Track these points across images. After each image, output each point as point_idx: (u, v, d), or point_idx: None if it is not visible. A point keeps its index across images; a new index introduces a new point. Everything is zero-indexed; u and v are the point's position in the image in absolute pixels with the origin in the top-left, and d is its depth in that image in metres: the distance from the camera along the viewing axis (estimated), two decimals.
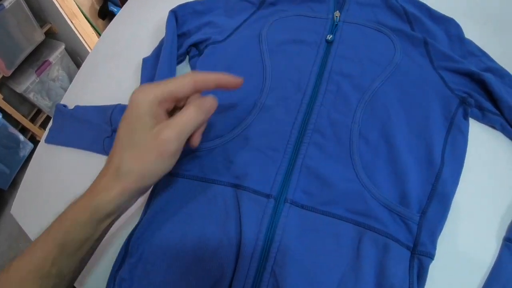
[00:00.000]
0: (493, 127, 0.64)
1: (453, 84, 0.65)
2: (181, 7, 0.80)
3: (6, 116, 1.88)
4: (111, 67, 0.88)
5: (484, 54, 0.70)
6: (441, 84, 0.65)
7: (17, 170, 2.02)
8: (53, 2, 1.95)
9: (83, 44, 2.23)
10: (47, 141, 0.79)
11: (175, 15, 0.79)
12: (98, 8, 2.50)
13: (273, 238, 0.50)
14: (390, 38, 0.70)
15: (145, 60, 0.78)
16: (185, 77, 0.45)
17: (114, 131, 0.68)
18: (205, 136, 0.60)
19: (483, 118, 0.64)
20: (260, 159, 0.57)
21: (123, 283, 0.52)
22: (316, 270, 0.49)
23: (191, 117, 0.44)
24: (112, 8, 2.50)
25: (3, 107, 1.85)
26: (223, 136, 0.61)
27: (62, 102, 0.84)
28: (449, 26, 0.73)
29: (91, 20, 2.31)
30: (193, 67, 0.76)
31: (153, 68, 0.75)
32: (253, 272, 0.48)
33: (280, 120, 0.61)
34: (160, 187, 0.59)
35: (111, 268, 0.55)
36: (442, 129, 0.60)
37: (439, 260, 0.51)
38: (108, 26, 0.99)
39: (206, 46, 0.75)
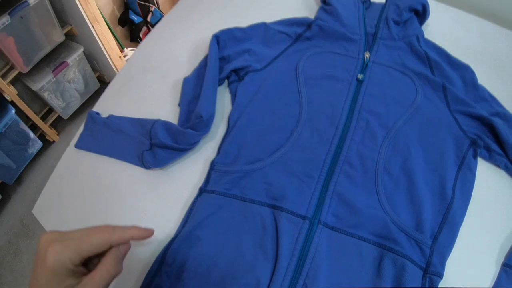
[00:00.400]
0: (498, 166, 0.73)
1: (466, 126, 0.74)
2: (223, 32, 0.89)
3: (19, 112, 1.90)
4: (145, 80, 0.93)
5: (494, 99, 0.79)
6: (456, 126, 0.74)
7: (23, 167, 2.06)
8: (77, 5, 1.98)
9: (102, 49, 2.27)
10: (77, 146, 0.83)
11: (217, 39, 0.88)
12: (118, 15, 2.57)
13: (307, 255, 0.59)
14: (413, 81, 0.80)
15: (186, 80, 0.86)
16: (100, 237, 0.45)
17: (152, 145, 0.75)
18: (246, 159, 0.69)
19: (490, 158, 0.73)
20: (296, 184, 0.66)
21: None
22: (342, 284, 0.58)
23: (106, 272, 0.44)
24: (133, 16, 2.57)
25: (16, 102, 1.88)
26: (262, 160, 0.69)
27: (94, 109, 0.89)
28: (465, 72, 0.82)
29: (111, 26, 2.36)
30: (232, 91, 0.84)
31: (194, 89, 0.83)
32: (287, 284, 0.57)
33: (314, 150, 0.70)
34: (200, 203, 0.67)
35: (141, 273, 0.62)
36: (454, 166, 0.69)
37: (446, 280, 0.60)
38: (144, 39, 1.05)
39: (246, 73, 0.84)
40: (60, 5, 2.01)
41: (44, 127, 2.15)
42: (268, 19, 0.94)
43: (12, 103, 1.86)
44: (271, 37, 0.90)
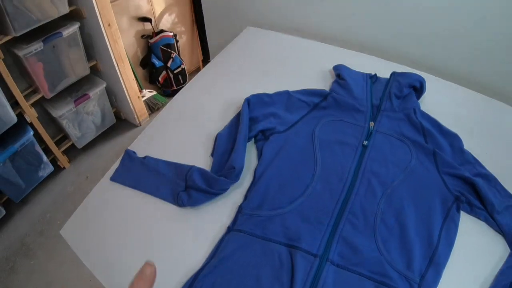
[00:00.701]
0: (479, 218, 0.88)
1: (451, 185, 0.90)
2: (253, 96, 1.10)
3: (35, 134, 1.97)
4: (178, 128, 1.11)
5: (478, 162, 0.96)
6: (443, 185, 0.90)
7: (32, 188, 2.11)
8: (106, 42, 2.13)
9: (122, 87, 2.41)
10: (113, 179, 0.98)
11: (248, 102, 1.08)
12: (141, 57, 2.75)
13: (316, 286, 0.74)
14: (409, 147, 0.97)
15: (220, 135, 1.05)
16: None
17: (188, 187, 0.92)
18: (269, 206, 0.86)
19: (471, 212, 0.88)
20: (310, 228, 0.82)
21: None
22: None
23: None
24: (154, 60, 2.75)
25: (35, 125, 1.98)
26: (282, 208, 0.86)
27: (130, 148, 1.05)
28: (453, 140, 1.00)
29: (133, 66, 2.52)
30: (259, 148, 1.02)
31: (227, 143, 1.02)
32: None
33: (326, 201, 0.87)
34: (227, 240, 0.83)
35: None
36: (440, 218, 0.85)
37: None
38: (179, 92, 1.25)
39: (271, 134, 1.03)
40: (89, 40, 2.19)
41: (58, 152, 2.27)
42: (291, 86, 1.15)
43: (31, 125, 1.97)
44: (293, 104, 1.11)
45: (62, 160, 2.34)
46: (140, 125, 2.74)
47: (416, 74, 1.16)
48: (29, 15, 1.66)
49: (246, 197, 0.91)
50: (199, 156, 1.01)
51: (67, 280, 1.81)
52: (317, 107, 1.10)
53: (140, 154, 1.03)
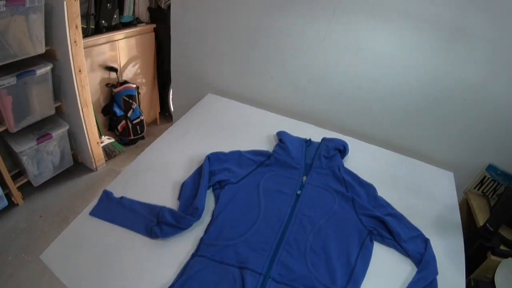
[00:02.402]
0: (389, 246, 1.13)
1: (366, 223, 1.16)
2: (212, 154, 1.35)
3: None
4: (149, 177, 1.30)
5: (389, 205, 1.24)
6: (359, 222, 1.16)
7: None
8: (74, 86, 2.22)
9: (84, 131, 2.48)
10: (92, 214, 1.13)
11: (208, 158, 1.32)
12: (103, 104, 2.85)
13: None
14: (333, 196, 1.25)
15: (186, 183, 1.25)
16: None
17: (160, 223, 1.09)
18: (224, 238, 1.06)
19: (383, 242, 1.14)
20: (255, 254, 1.03)
21: None
22: None
23: None
24: (116, 109, 2.86)
25: None
26: (234, 240, 1.07)
27: (108, 189, 1.20)
28: (369, 189, 1.28)
29: (95, 113, 2.61)
30: (216, 195, 1.23)
31: (191, 189, 1.22)
32: None
33: (267, 235, 1.09)
34: (192, 263, 1.00)
35: None
36: (357, 247, 1.09)
37: None
38: (149, 147, 1.45)
39: (226, 184, 1.26)
40: (58, 82, 2.26)
41: (13, 187, 2.24)
42: (243, 146, 1.43)
43: None
44: (243, 161, 1.37)
45: (17, 196, 2.32)
46: (97, 170, 2.77)
47: (341, 140, 1.48)
48: (8, 49, 1.76)
49: (206, 231, 1.11)
50: (167, 199, 1.21)
51: None
52: (262, 164, 1.36)
53: (116, 195, 1.20)
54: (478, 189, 1.64)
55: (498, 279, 1.22)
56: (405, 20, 1.46)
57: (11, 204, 2.37)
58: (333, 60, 1.66)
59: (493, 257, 1.31)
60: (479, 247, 1.36)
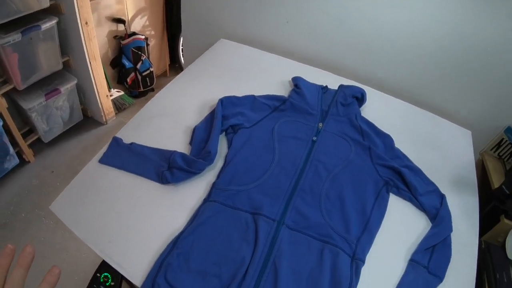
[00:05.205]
0: (404, 199, 1.11)
1: (382, 173, 1.12)
2: (225, 97, 1.29)
3: (4, 125, 1.98)
4: (160, 123, 1.26)
5: (405, 157, 1.20)
6: (375, 172, 1.12)
7: None
8: (81, 40, 2.18)
9: (93, 85, 2.46)
10: (102, 161, 1.11)
11: (221, 102, 1.27)
12: (111, 57, 2.82)
13: (275, 244, 0.92)
14: (349, 143, 1.20)
15: (197, 127, 1.22)
16: None
17: (170, 167, 1.07)
18: (237, 183, 1.04)
19: (398, 194, 1.11)
20: (269, 200, 1.01)
21: (168, 267, 0.85)
22: (297, 264, 0.90)
23: None
24: (125, 61, 2.82)
25: (5, 116, 1.98)
26: (247, 185, 1.05)
27: (118, 135, 1.18)
28: (386, 139, 1.24)
29: (104, 66, 2.57)
30: (229, 139, 1.20)
31: (203, 134, 1.19)
32: (262, 261, 0.89)
33: (281, 181, 1.07)
34: (203, 208, 0.99)
35: (153, 255, 0.88)
36: (373, 197, 1.07)
37: (368, 265, 0.93)
38: (160, 91, 1.40)
39: (239, 128, 1.22)
40: (65, 36, 2.22)
41: (24, 145, 2.26)
42: (256, 92, 1.36)
43: (0, 116, 1.96)
44: (257, 106, 1.31)
45: (28, 153, 2.34)
46: (107, 124, 2.77)
47: (358, 87, 1.42)
48: (11, 5, 1.70)
49: (218, 176, 1.09)
50: (179, 144, 1.18)
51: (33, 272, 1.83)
52: (277, 110, 1.31)
53: (126, 141, 1.16)
54: (495, 152, 1.59)
55: (510, 243, 1.21)
56: None
57: (23, 162, 2.38)
58: (354, 5, 1.57)
59: (506, 221, 1.28)
60: (492, 210, 1.33)
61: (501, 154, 1.58)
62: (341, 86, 1.42)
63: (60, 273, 0.53)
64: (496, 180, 1.45)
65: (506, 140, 1.52)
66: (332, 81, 1.49)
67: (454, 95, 1.58)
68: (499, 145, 1.56)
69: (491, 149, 1.60)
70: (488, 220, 1.33)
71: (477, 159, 1.56)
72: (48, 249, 1.97)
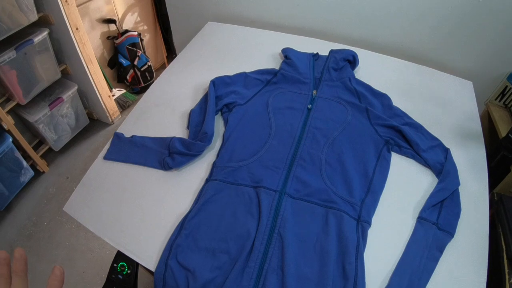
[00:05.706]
0: (407, 156, 1.09)
1: (381, 133, 1.11)
2: (217, 78, 1.28)
3: (13, 142, 2.00)
4: (158, 112, 1.27)
5: (405, 114, 1.18)
6: (374, 133, 1.11)
7: (15, 194, 2.16)
8: (75, 46, 2.19)
9: (94, 88, 2.47)
10: (106, 158, 1.13)
11: (213, 83, 1.26)
12: (108, 58, 2.82)
13: (278, 214, 0.91)
14: (345, 107, 1.18)
15: (193, 111, 1.21)
16: None
17: (171, 153, 1.07)
18: (236, 159, 1.03)
19: (400, 152, 1.10)
20: (269, 172, 1.00)
21: (178, 248, 0.88)
22: (302, 231, 0.90)
23: None
24: (121, 60, 2.82)
25: (13, 132, 2.00)
26: (246, 160, 1.04)
27: (118, 131, 1.20)
28: (383, 98, 1.21)
29: (102, 67, 2.58)
30: (225, 118, 1.20)
31: (199, 116, 1.19)
32: (268, 232, 0.88)
33: (280, 152, 1.05)
34: (206, 188, 0.99)
35: (163, 239, 0.90)
36: (374, 158, 1.05)
37: (374, 227, 0.93)
38: (154, 82, 1.41)
39: (234, 106, 1.21)
40: (58, 45, 2.24)
41: (36, 157, 2.30)
42: (247, 69, 1.35)
43: (9, 132, 1.99)
44: (249, 82, 1.30)
45: (41, 164, 2.37)
46: (113, 123, 2.81)
47: (349, 50, 1.39)
48: (1, 24, 1.73)
49: (218, 155, 1.09)
50: (178, 130, 1.19)
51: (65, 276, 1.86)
52: (269, 83, 1.29)
53: (127, 135, 1.18)
54: (500, 100, 1.56)
55: None
56: None
57: (38, 173, 2.41)
58: None
59: None
60: (501, 160, 1.30)
61: (506, 102, 1.54)
62: (331, 51, 1.39)
63: (63, 271, 0.52)
64: (504, 130, 1.43)
65: (510, 87, 1.49)
66: (324, 48, 1.47)
67: (450, 45, 1.55)
68: (503, 93, 1.53)
69: (496, 99, 1.57)
70: (498, 172, 1.31)
71: (482, 111, 1.53)
72: (74, 252, 2.01)
